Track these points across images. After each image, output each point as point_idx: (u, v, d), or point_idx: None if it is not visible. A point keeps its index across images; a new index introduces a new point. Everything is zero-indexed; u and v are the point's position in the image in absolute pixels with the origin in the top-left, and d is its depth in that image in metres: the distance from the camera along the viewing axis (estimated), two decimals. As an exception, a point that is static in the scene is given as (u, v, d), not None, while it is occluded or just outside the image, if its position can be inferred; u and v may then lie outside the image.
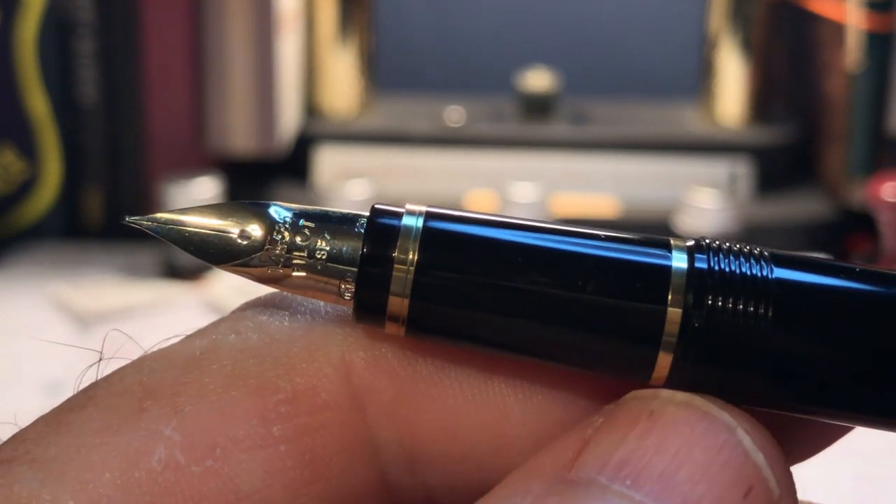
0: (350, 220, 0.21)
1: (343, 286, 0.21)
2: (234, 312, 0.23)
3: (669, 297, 0.20)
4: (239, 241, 0.22)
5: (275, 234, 0.21)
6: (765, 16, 1.02)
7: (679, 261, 0.21)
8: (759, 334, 0.20)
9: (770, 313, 0.20)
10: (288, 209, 0.22)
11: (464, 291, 0.21)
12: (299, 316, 0.22)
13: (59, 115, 0.94)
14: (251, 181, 0.98)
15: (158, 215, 0.22)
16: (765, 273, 0.20)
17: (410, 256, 0.21)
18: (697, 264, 0.20)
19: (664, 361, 0.20)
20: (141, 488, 0.19)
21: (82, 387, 0.22)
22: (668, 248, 0.21)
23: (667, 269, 0.20)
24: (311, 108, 1.03)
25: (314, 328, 0.22)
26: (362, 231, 0.21)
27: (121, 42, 0.93)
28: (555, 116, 1.03)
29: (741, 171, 0.97)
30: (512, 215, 0.22)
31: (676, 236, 0.21)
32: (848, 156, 0.94)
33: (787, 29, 1.05)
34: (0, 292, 0.86)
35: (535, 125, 1.02)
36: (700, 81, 1.06)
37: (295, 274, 0.21)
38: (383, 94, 1.08)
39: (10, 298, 0.85)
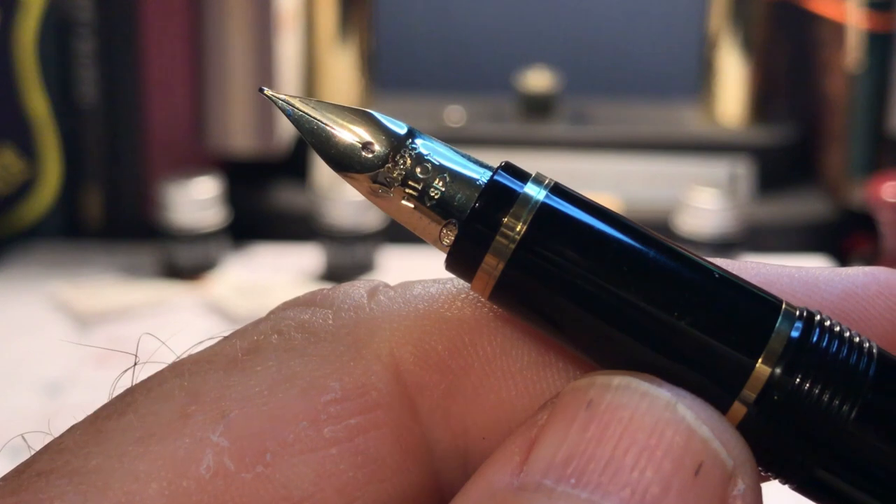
0: (477, 168, 0.21)
1: (444, 231, 0.21)
2: (272, 312, 0.22)
3: (762, 357, 0.19)
4: (362, 152, 0.21)
5: (398, 157, 0.21)
6: (765, 16, 1.02)
7: (784, 325, 0.20)
8: (835, 429, 0.19)
9: (854, 414, 0.19)
10: (421, 138, 0.21)
11: (559, 279, 0.20)
12: (342, 313, 0.21)
13: (59, 115, 0.94)
14: (251, 181, 0.98)
15: (296, 99, 0.21)
16: (862, 368, 0.19)
17: (519, 227, 0.20)
18: (799, 334, 0.20)
19: (738, 411, 0.20)
20: (190, 498, 0.19)
21: (116, 393, 0.21)
22: (779, 309, 0.20)
23: (769, 329, 0.20)
24: (311, 108, 1.03)
25: (359, 325, 0.21)
26: (484, 183, 0.21)
27: (121, 42, 0.93)
28: (555, 116, 1.03)
29: (741, 171, 0.97)
30: (632, 220, 0.21)
31: (790, 305, 0.20)
32: (848, 156, 0.94)
33: (787, 29, 1.05)
34: (0, 292, 0.86)
35: (535, 125, 1.02)
36: (700, 81, 1.06)
37: (403, 202, 0.21)
38: (383, 94, 1.08)
39: (10, 298, 0.85)
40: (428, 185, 0.21)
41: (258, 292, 0.84)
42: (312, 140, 0.21)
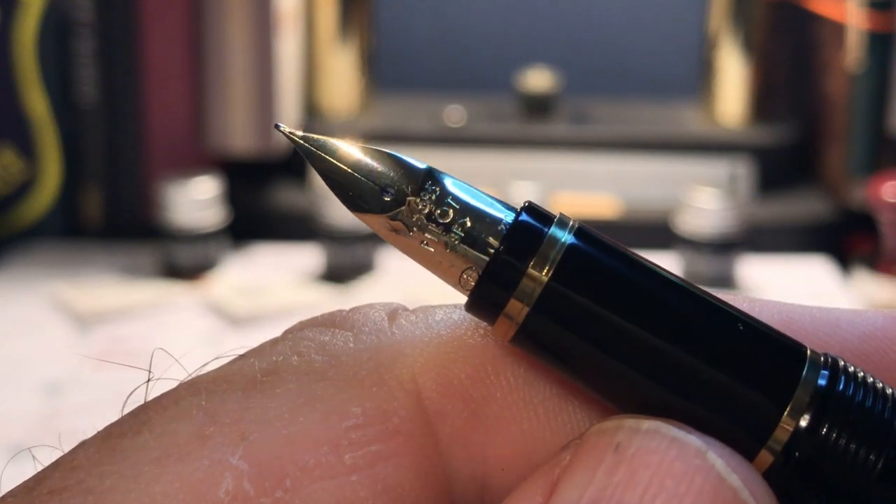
0: (499, 209, 0.20)
1: (466, 274, 0.20)
2: (289, 332, 0.21)
3: (789, 408, 0.19)
4: (380, 193, 0.21)
5: (418, 200, 0.21)
6: (765, 16, 1.01)
7: (810, 374, 0.19)
8: (861, 482, 0.19)
9: (880, 465, 0.19)
10: (442, 179, 0.21)
11: (585, 324, 0.20)
12: (363, 336, 0.21)
13: (59, 115, 0.94)
14: (251, 181, 0.97)
15: (314, 136, 0.21)
16: (888, 417, 0.19)
17: (545, 271, 0.20)
18: (825, 382, 0.19)
19: (764, 460, 0.19)
20: None
21: (128, 409, 0.20)
22: (804, 356, 0.20)
23: (795, 378, 0.19)
24: (311, 108, 1.03)
25: (381, 349, 0.21)
26: (507, 225, 0.20)
27: (121, 42, 0.93)
28: (555, 116, 1.03)
29: (741, 171, 0.97)
30: (656, 263, 0.20)
31: (814, 351, 0.20)
32: (848, 156, 0.94)
33: (787, 29, 1.05)
34: (0, 292, 0.86)
35: (535, 125, 1.02)
36: (700, 81, 1.06)
37: (423, 245, 0.20)
38: (383, 93, 1.08)
39: (10, 298, 0.85)
40: (449, 227, 0.20)
41: (258, 292, 0.83)
42: (329, 180, 0.21)
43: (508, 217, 0.20)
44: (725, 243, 0.86)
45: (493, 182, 0.94)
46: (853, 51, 0.92)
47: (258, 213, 0.96)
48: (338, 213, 0.87)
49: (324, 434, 0.19)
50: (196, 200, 0.88)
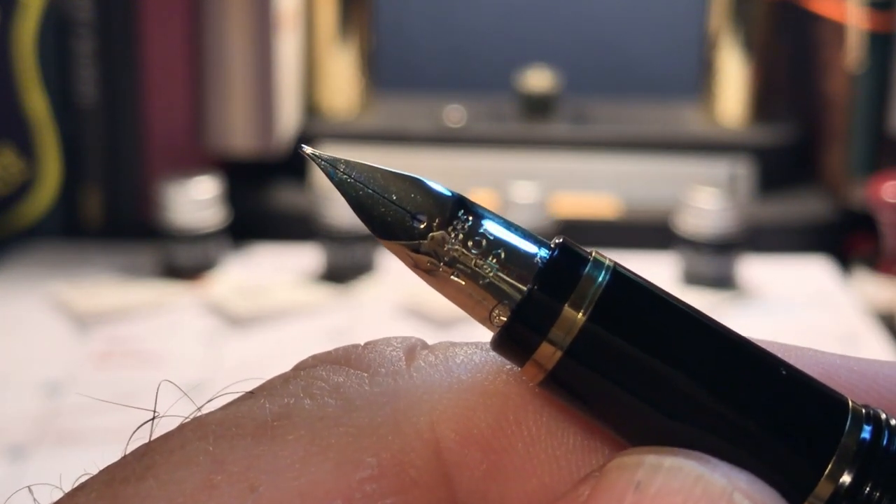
0: (532, 245, 0.20)
1: (497, 311, 0.19)
2: (301, 369, 0.21)
3: (832, 463, 0.18)
4: (411, 222, 0.20)
5: (449, 230, 0.20)
6: (765, 16, 1.01)
7: (853, 428, 0.19)
8: None
9: None
10: (474, 210, 0.20)
11: (621, 370, 0.19)
12: (379, 378, 0.20)
13: (59, 115, 0.94)
14: (251, 181, 0.97)
15: (341, 158, 0.20)
16: None
17: (580, 314, 0.19)
18: (869, 437, 0.19)
19: None
20: None
21: (133, 447, 0.19)
22: (847, 409, 0.19)
23: (838, 432, 0.19)
24: (311, 108, 1.03)
25: (398, 394, 0.20)
26: (541, 262, 0.19)
27: (120, 42, 0.93)
28: (555, 116, 1.03)
29: (741, 171, 0.97)
30: (696, 307, 0.19)
31: (856, 403, 0.19)
32: (848, 156, 0.94)
33: (787, 29, 1.05)
34: (0, 292, 0.86)
35: (535, 125, 1.02)
36: (700, 81, 1.06)
37: (453, 278, 0.20)
38: (383, 93, 1.08)
39: (10, 298, 0.85)
40: (481, 261, 0.19)
41: (258, 292, 0.83)
42: (357, 207, 0.20)
43: (542, 252, 0.19)
44: (725, 243, 0.86)
45: (493, 182, 0.94)
46: (853, 51, 0.92)
47: (258, 213, 0.96)
48: (338, 213, 0.87)
49: (336, 486, 0.18)
50: (196, 200, 0.88)
